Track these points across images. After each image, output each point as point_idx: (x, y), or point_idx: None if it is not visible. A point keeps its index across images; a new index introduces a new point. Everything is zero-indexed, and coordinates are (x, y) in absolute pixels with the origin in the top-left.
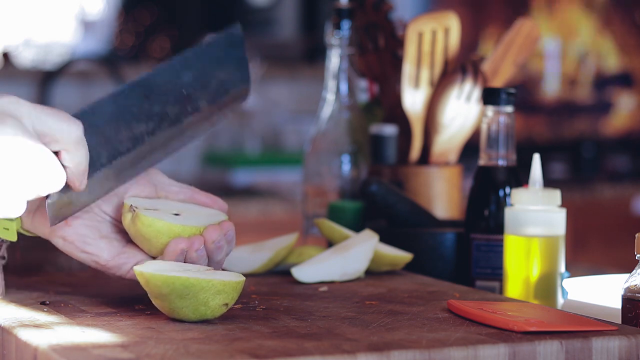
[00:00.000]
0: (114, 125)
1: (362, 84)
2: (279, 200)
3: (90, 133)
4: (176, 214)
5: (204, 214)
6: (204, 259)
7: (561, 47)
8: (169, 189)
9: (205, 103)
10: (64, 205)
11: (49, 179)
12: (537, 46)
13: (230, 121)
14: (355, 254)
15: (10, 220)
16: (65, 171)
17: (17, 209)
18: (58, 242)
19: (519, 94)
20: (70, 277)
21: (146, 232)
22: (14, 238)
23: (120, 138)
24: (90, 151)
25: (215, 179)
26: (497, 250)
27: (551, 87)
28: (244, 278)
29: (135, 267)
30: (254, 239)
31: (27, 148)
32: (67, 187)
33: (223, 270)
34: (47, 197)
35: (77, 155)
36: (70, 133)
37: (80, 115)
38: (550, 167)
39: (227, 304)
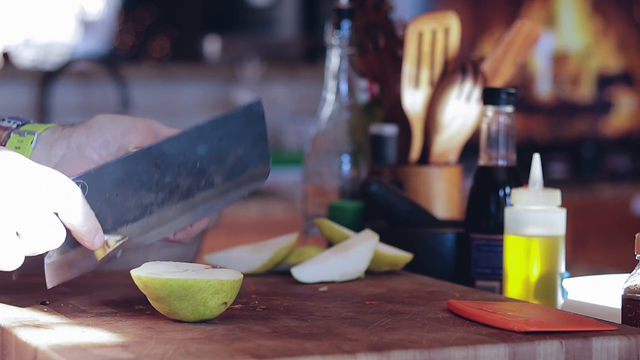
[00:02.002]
0: (122, 192)
1: (362, 84)
2: (279, 200)
3: (95, 197)
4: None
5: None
6: None
7: (561, 47)
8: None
9: (220, 179)
10: (64, 266)
11: (46, 235)
12: (537, 46)
13: None
14: (355, 254)
15: None
16: (72, 231)
17: (14, 263)
18: None
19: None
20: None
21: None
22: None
23: (127, 205)
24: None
25: None
26: (497, 250)
27: (551, 87)
28: (242, 276)
29: (132, 271)
30: (254, 239)
31: (21, 203)
32: (69, 247)
33: (222, 268)
34: (46, 255)
35: (76, 216)
36: (63, 194)
37: (85, 177)
38: (550, 167)
39: (226, 303)
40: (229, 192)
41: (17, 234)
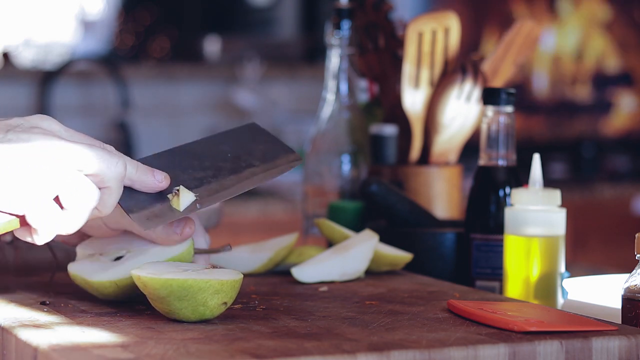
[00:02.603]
0: (171, 171)
1: (362, 84)
2: (279, 200)
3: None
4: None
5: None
6: None
7: (561, 47)
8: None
9: (257, 161)
10: (151, 216)
11: (79, 195)
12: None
13: (230, 121)
14: (355, 254)
15: None
16: (130, 182)
17: (77, 224)
18: None
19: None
20: (70, 277)
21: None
22: None
23: (183, 178)
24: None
25: None
26: (497, 250)
27: (550, 87)
28: (242, 276)
29: (132, 271)
30: (254, 239)
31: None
32: (148, 201)
33: (222, 268)
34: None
35: (112, 167)
36: (114, 169)
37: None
38: (550, 167)
39: (226, 303)
40: (272, 169)
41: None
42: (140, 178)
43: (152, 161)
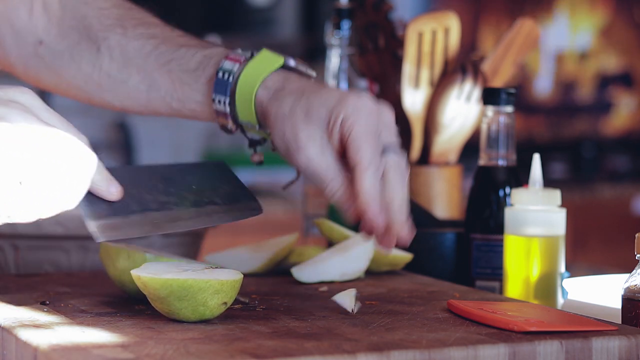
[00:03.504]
0: (137, 188)
1: (362, 84)
2: (279, 200)
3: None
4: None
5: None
6: None
7: (561, 47)
8: None
9: (220, 200)
10: (110, 228)
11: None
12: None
13: None
14: (355, 254)
15: None
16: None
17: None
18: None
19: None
20: (70, 277)
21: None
22: None
23: (146, 198)
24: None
25: None
26: (497, 250)
27: (551, 87)
28: (242, 276)
29: (132, 271)
30: (254, 239)
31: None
32: (108, 213)
33: (222, 268)
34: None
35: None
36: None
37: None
38: (550, 167)
39: (226, 303)
40: (231, 212)
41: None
42: (98, 183)
43: (122, 173)
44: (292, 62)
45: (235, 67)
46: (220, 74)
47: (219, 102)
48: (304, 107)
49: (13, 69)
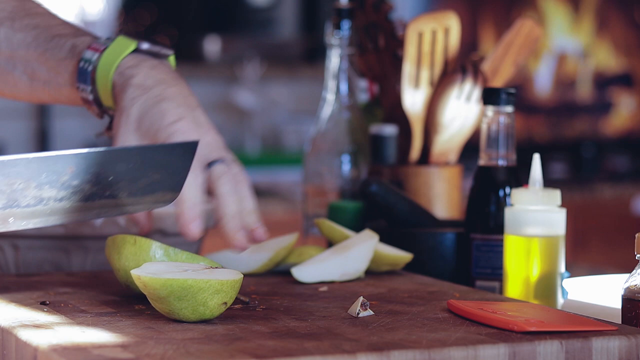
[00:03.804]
0: (25, 182)
1: (362, 84)
2: (279, 200)
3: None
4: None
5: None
6: None
7: (562, 47)
8: None
9: (125, 194)
10: None
11: None
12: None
13: (230, 121)
14: (355, 254)
15: None
16: None
17: None
18: None
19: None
20: (70, 277)
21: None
22: None
23: (25, 194)
24: None
25: None
26: (497, 250)
27: (551, 87)
28: (242, 276)
29: (132, 271)
30: None
31: None
32: None
33: (222, 268)
34: None
35: None
36: None
37: None
38: (550, 167)
39: (226, 303)
40: (128, 206)
41: None
42: None
43: (27, 163)
44: (144, 45)
45: (95, 56)
46: (82, 64)
47: (82, 90)
48: (137, 110)
49: None
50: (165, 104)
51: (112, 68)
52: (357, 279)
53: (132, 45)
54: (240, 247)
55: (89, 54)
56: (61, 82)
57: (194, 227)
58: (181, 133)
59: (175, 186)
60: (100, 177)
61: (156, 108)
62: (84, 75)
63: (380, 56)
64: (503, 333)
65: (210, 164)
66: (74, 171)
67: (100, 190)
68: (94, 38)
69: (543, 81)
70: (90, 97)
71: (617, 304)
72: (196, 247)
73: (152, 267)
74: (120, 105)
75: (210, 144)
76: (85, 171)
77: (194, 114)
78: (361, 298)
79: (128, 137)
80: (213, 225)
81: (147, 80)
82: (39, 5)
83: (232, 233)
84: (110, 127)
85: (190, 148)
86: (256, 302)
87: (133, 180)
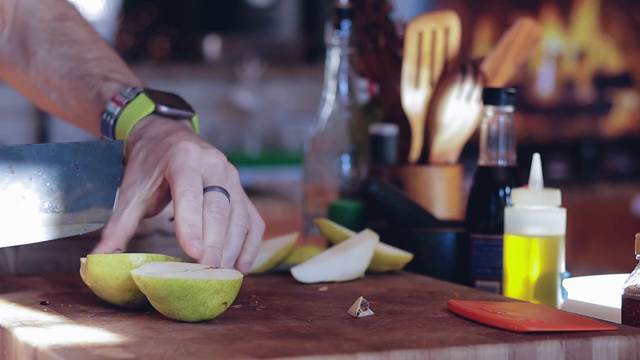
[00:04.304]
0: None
1: (362, 84)
2: (279, 200)
3: None
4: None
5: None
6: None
7: (561, 47)
8: None
9: (62, 207)
10: None
11: None
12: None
13: (230, 121)
14: (355, 254)
15: None
16: None
17: None
18: None
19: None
20: (70, 277)
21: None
22: None
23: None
24: None
25: None
26: (497, 250)
27: (551, 87)
28: (242, 276)
29: (132, 271)
30: None
31: None
32: None
33: (222, 268)
34: None
35: None
36: None
37: None
38: (550, 167)
39: (226, 303)
40: (65, 224)
41: None
42: None
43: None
44: (163, 109)
45: (117, 110)
46: (105, 116)
47: (106, 139)
48: (144, 153)
49: None
50: (170, 138)
51: (128, 128)
52: (357, 279)
53: (150, 107)
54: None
55: (111, 107)
56: (90, 121)
57: (194, 246)
58: (184, 151)
59: (107, 201)
60: (39, 181)
61: (160, 143)
62: (106, 127)
63: (380, 56)
64: (503, 333)
65: (206, 189)
66: (14, 172)
67: (39, 199)
68: (121, 85)
69: (543, 81)
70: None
71: (617, 304)
72: None
73: (152, 267)
74: (130, 155)
75: (213, 168)
76: (25, 171)
77: (200, 142)
78: (361, 298)
79: (133, 176)
80: None
81: (155, 132)
82: (79, 28)
83: (201, 260)
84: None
85: (115, 149)
86: (256, 302)
87: (68, 188)
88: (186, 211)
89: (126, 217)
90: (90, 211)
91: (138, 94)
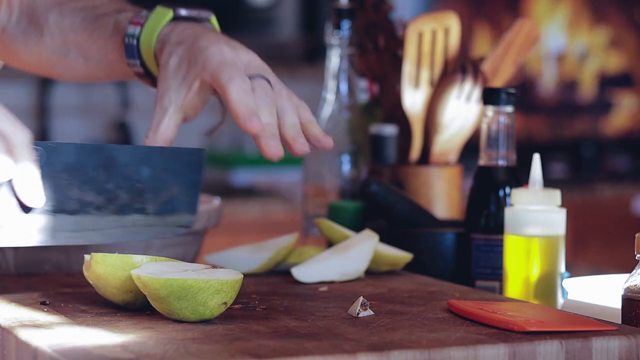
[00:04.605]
0: (69, 178)
1: (362, 84)
2: (279, 200)
3: (45, 171)
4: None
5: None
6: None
7: (561, 47)
8: None
9: (151, 209)
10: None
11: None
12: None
13: (230, 121)
14: (355, 254)
15: None
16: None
17: None
18: None
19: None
20: (70, 277)
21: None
22: None
23: (70, 194)
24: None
25: (215, 179)
26: (497, 250)
27: (551, 87)
28: (242, 276)
29: (132, 271)
30: (254, 239)
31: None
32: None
33: (222, 268)
34: None
35: (21, 161)
36: (17, 135)
37: (43, 146)
38: (550, 167)
39: (226, 303)
40: (155, 226)
41: None
42: (22, 184)
43: (68, 151)
44: (182, 12)
45: (137, 30)
46: (127, 39)
47: (133, 65)
48: (176, 59)
49: None
50: (200, 41)
51: (152, 39)
52: (357, 279)
53: (169, 13)
54: (274, 155)
55: (131, 29)
56: (112, 60)
57: (254, 122)
58: (218, 52)
59: (190, 206)
60: (130, 181)
61: (192, 49)
62: (131, 50)
63: (380, 56)
64: (503, 333)
65: (251, 77)
66: (108, 170)
67: (130, 200)
68: (136, 11)
69: (543, 81)
70: (142, 70)
71: (617, 304)
72: (196, 247)
73: (152, 267)
74: (160, 64)
75: (249, 62)
76: (118, 171)
77: (230, 42)
78: (361, 298)
79: (166, 82)
80: (214, 225)
81: (182, 36)
82: None
83: (263, 144)
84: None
85: (197, 155)
86: (256, 302)
87: (156, 190)
88: (239, 93)
89: (166, 125)
90: (176, 215)
91: (154, 8)
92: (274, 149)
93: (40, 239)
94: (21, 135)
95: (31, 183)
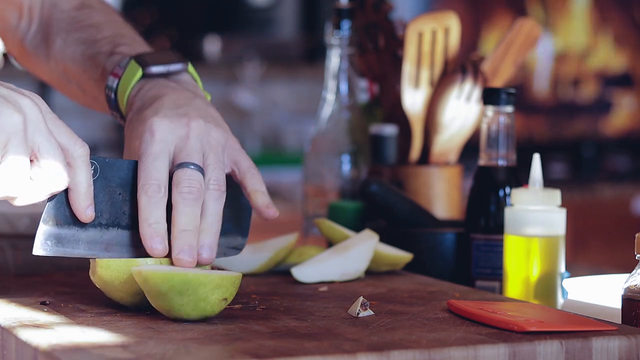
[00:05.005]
0: (123, 193)
1: (362, 84)
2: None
3: (99, 186)
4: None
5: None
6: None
7: (562, 47)
8: None
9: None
10: (52, 238)
11: (15, 182)
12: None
13: (230, 121)
14: (355, 254)
15: None
16: (67, 192)
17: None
18: None
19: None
20: (70, 277)
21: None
22: None
23: (124, 209)
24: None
25: None
26: (497, 250)
27: (551, 87)
28: (242, 274)
29: (132, 268)
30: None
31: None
32: (63, 220)
33: (221, 269)
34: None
35: (79, 174)
36: (76, 149)
37: (98, 161)
38: (550, 167)
39: (226, 299)
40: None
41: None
42: (77, 196)
43: (122, 167)
44: (153, 69)
45: (115, 83)
46: (107, 91)
47: (114, 115)
48: (128, 131)
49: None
50: (146, 112)
51: (124, 98)
52: (357, 279)
53: (138, 72)
54: (184, 266)
55: (110, 81)
56: (103, 102)
57: (154, 246)
58: (149, 133)
59: (242, 229)
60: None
61: (136, 121)
62: (110, 102)
63: (380, 56)
64: (503, 333)
65: (176, 167)
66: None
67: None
68: (123, 57)
69: (543, 81)
70: (123, 122)
71: (617, 304)
72: None
73: (152, 265)
74: (126, 126)
75: (186, 137)
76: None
77: (179, 105)
78: (361, 298)
79: (125, 153)
80: None
81: (143, 99)
82: (96, 13)
83: (174, 252)
84: None
85: (235, 187)
86: (256, 302)
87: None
88: (145, 209)
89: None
90: (228, 237)
91: (129, 61)
92: (184, 262)
93: (93, 252)
94: (80, 150)
95: (85, 195)
